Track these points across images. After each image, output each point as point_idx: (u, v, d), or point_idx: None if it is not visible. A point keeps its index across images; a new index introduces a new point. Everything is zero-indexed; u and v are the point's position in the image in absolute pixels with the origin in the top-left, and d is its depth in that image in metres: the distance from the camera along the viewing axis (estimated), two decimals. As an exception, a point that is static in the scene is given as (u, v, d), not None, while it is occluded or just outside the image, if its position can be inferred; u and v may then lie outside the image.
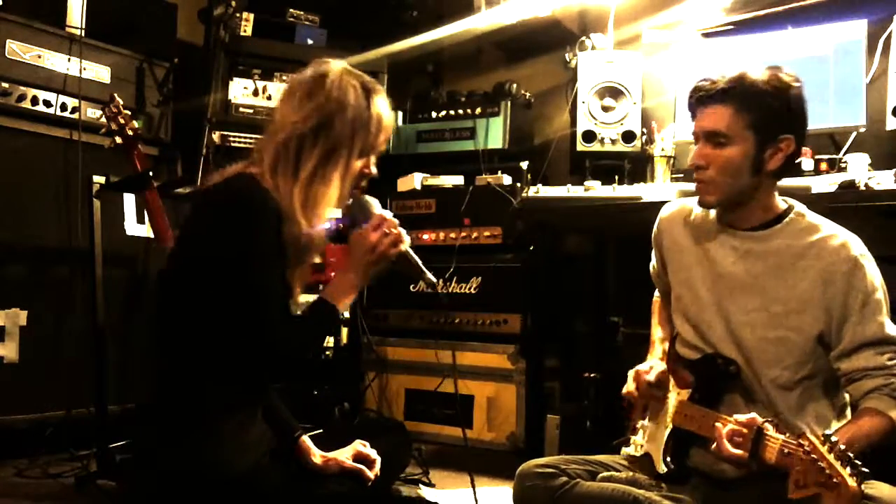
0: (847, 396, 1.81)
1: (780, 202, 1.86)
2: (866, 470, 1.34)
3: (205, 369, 1.58)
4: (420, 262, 1.75)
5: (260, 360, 1.56)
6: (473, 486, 1.79)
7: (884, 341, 1.71)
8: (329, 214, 1.67)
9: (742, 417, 1.57)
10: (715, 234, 1.90)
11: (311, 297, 1.71)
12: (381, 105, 1.71)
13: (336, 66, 1.71)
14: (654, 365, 1.96)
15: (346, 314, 3.36)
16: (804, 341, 1.75)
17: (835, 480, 1.31)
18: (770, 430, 1.51)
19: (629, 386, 1.96)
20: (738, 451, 1.54)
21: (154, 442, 1.60)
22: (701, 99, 1.80)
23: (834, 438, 1.37)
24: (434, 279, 1.77)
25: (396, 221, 1.71)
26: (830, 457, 1.34)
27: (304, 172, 1.62)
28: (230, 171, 1.67)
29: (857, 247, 1.76)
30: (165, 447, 1.57)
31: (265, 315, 1.55)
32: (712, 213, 1.93)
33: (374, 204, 1.75)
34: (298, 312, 1.71)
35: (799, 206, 1.85)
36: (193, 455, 1.55)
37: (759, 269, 1.82)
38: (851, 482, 1.30)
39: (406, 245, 1.71)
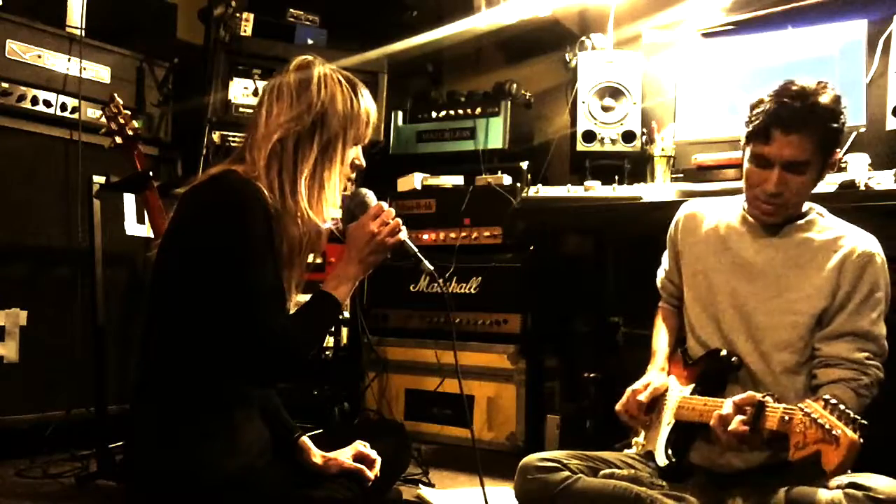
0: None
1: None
2: (865, 422, 1.37)
3: (196, 368, 1.57)
4: (418, 251, 1.75)
5: (262, 357, 1.55)
6: (483, 487, 1.78)
7: (867, 336, 1.79)
8: (331, 210, 1.69)
9: (739, 396, 1.63)
10: (737, 226, 1.97)
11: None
12: (367, 97, 1.76)
13: (318, 63, 1.73)
14: (650, 381, 1.97)
15: (347, 314, 3.36)
16: (811, 322, 1.83)
17: (834, 433, 1.35)
18: (770, 402, 1.57)
19: (622, 404, 1.97)
20: (741, 426, 1.58)
21: (143, 442, 1.59)
22: (782, 125, 1.79)
23: (833, 401, 1.42)
24: (432, 268, 1.76)
25: (393, 211, 1.72)
26: (830, 415, 1.38)
27: (306, 169, 1.64)
28: (214, 170, 1.68)
29: (876, 246, 1.85)
30: (155, 447, 1.56)
31: (263, 310, 1.54)
32: (734, 207, 1.99)
33: (370, 195, 1.77)
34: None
35: (818, 207, 1.94)
36: (183, 455, 1.54)
37: (779, 259, 1.89)
38: (851, 433, 1.33)
39: (404, 234, 1.72)
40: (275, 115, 1.67)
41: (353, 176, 1.78)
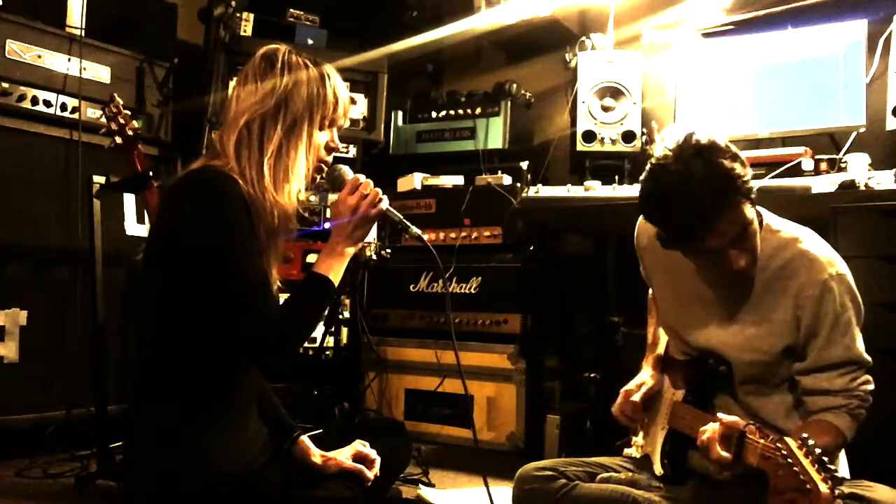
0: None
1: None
2: (840, 475, 1.34)
3: (193, 367, 1.57)
4: (402, 218, 1.75)
5: (256, 348, 1.55)
6: (487, 487, 1.79)
7: (847, 363, 1.70)
8: (299, 189, 1.67)
9: (727, 418, 1.56)
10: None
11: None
12: (335, 80, 1.74)
13: (282, 47, 1.73)
14: (643, 381, 1.96)
15: (347, 314, 3.36)
16: (776, 358, 1.75)
17: (808, 486, 1.31)
18: (753, 433, 1.49)
19: (617, 406, 1.95)
20: (724, 454, 1.53)
21: (143, 442, 1.59)
22: (706, 219, 1.62)
23: (811, 442, 1.36)
24: (418, 231, 1.76)
25: (371, 182, 1.72)
26: (806, 462, 1.34)
27: (270, 148, 1.64)
28: (193, 166, 1.68)
29: (829, 265, 1.71)
30: (154, 447, 1.56)
31: (253, 301, 1.54)
32: None
33: (345, 170, 1.76)
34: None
35: (768, 218, 1.80)
36: (182, 455, 1.54)
37: (734, 293, 1.80)
38: (824, 488, 1.30)
39: (385, 203, 1.71)
40: (241, 101, 1.68)
41: (330, 159, 1.77)
